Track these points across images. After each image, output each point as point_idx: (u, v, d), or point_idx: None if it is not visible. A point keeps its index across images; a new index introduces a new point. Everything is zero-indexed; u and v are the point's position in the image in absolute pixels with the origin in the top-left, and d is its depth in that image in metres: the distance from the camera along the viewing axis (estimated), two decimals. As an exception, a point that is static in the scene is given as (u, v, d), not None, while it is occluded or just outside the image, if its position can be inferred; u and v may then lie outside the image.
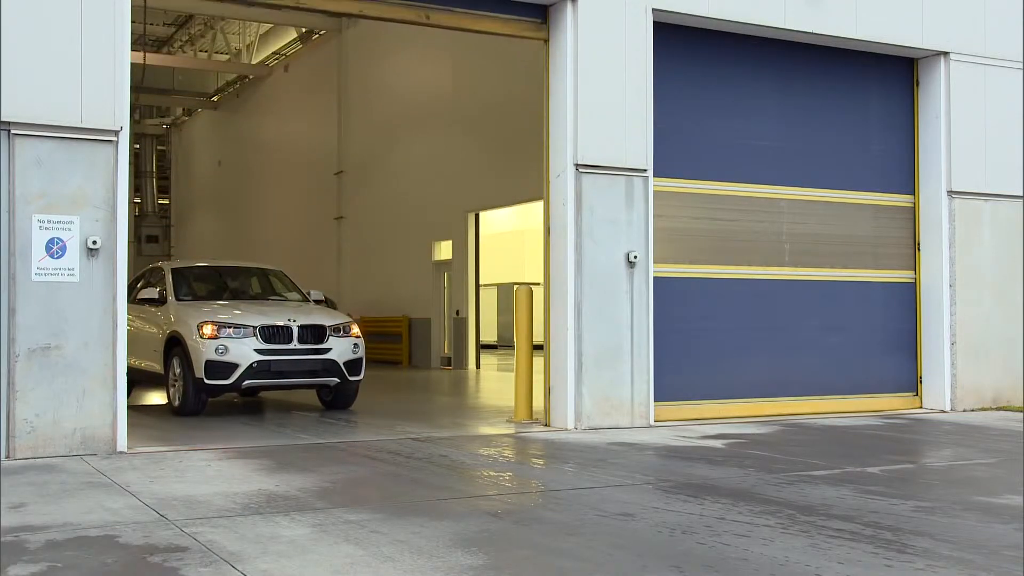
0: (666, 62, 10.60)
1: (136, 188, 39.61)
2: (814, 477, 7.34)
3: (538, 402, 10.51)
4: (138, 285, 13.05)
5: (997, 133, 12.27)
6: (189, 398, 11.01)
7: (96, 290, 8.05)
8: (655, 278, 10.42)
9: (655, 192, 10.45)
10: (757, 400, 11.31)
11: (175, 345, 11.27)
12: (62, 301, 7.91)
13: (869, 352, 12.09)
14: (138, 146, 39.92)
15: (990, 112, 12.24)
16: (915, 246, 12.34)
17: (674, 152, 10.80)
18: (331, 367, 11.31)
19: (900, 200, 12.32)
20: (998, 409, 12.04)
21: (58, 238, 7.90)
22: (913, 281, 12.34)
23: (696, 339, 11.05)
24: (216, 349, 10.78)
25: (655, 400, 10.35)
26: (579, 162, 10.00)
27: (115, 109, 8.15)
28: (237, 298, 12.47)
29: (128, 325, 11.91)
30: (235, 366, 10.83)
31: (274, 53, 29.72)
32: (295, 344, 11.09)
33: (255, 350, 10.89)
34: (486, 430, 10.23)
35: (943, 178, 12.06)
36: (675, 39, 10.79)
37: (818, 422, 10.85)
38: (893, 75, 12.30)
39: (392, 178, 23.35)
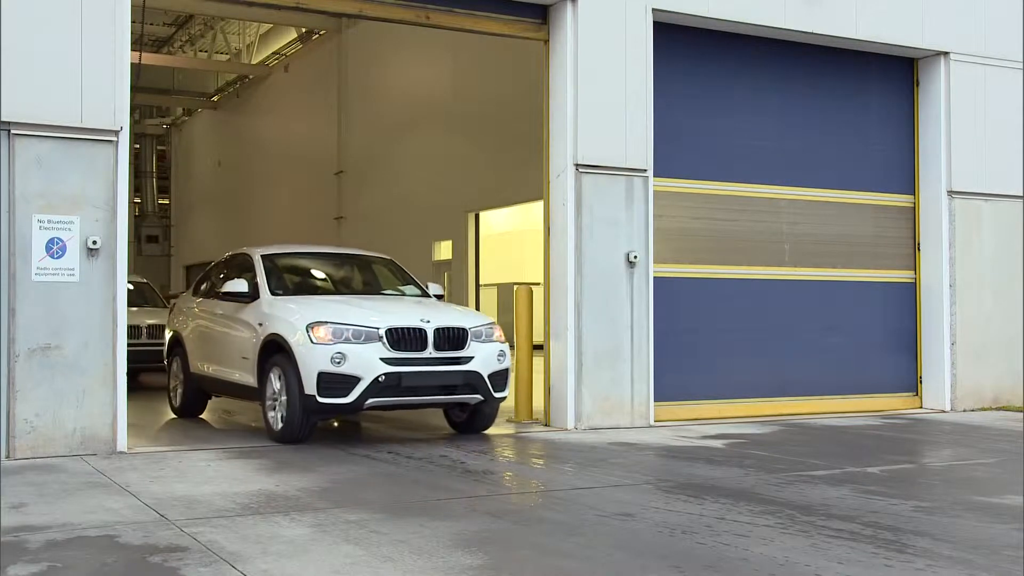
0: (666, 62, 10.60)
1: (136, 188, 39.64)
2: (814, 477, 7.33)
3: (538, 402, 10.51)
4: (211, 276, 11.06)
5: (997, 133, 12.26)
6: (295, 421, 8.64)
7: (96, 290, 8.05)
8: (655, 278, 10.41)
9: (655, 192, 10.44)
10: (757, 400, 11.31)
11: (274, 352, 8.93)
12: (62, 301, 7.91)
13: (869, 352, 12.08)
14: (138, 146, 39.95)
15: (990, 112, 12.23)
16: (915, 246, 12.33)
17: (674, 152, 10.80)
18: (474, 381, 8.96)
19: (900, 200, 12.32)
20: (998, 409, 12.04)
21: (58, 238, 7.90)
22: (913, 281, 12.34)
23: (696, 339, 11.04)
24: (332, 358, 8.47)
25: (655, 400, 10.35)
26: (579, 162, 9.99)
27: (115, 109, 8.16)
28: (344, 292, 10.27)
29: (204, 326, 10.52)
30: (356, 380, 8.49)
31: (274, 53, 29.72)
32: (430, 352, 8.78)
33: (381, 359, 8.58)
34: (486, 430, 10.23)
35: (943, 178, 12.06)
36: (675, 39, 10.79)
37: (818, 422, 10.84)
38: (893, 75, 12.30)
39: (392, 178, 23.35)
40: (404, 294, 10.42)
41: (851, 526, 5.65)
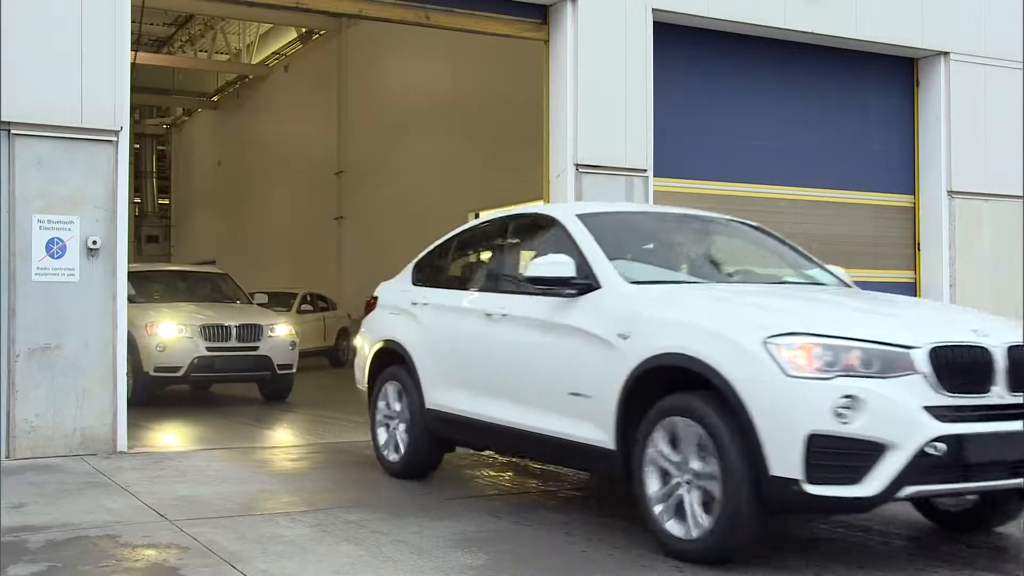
0: (666, 62, 10.60)
1: (136, 188, 39.57)
2: (814, 477, 7.28)
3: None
4: (456, 253, 7.44)
5: (997, 133, 12.26)
6: (740, 528, 4.59)
7: (96, 290, 8.04)
8: (655, 278, 10.40)
9: (655, 192, 10.44)
10: (757, 400, 11.26)
11: (670, 388, 4.94)
12: (62, 301, 7.91)
13: (869, 352, 12.05)
14: (138, 146, 39.90)
15: (990, 112, 12.23)
16: (915, 246, 12.34)
17: (674, 152, 10.79)
18: None
19: (900, 200, 12.32)
20: (998, 409, 12.00)
21: (58, 238, 7.90)
22: (913, 281, 12.33)
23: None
24: (836, 407, 4.37)
25: (655, 400, 10.31)
26: (579, 162, 9.99)
27: (115, 109, 8.15)
28: (726, 280, 6.24)
29: (460, 335, 6.53)
30: (880, 450, 4.38)
31: (274, 53, 29.70)
32: (1000, 394, 4.63)
33: (927, 409, 4.44)
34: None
35: (943, 178, 12.06)
36: (675, 39, 10.78)
37: (818, 422, 10.79)
38: (893, 75, 12.30)
39: (392, 178, 23.34)
40: (816, 281, 6.31)
41: (851, 524, 5.64)
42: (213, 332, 11.86)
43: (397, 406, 7.06)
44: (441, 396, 6.57)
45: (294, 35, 28.15)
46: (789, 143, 11.70)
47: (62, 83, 7.97)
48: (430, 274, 7.36)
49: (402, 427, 6.98)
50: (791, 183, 11.67)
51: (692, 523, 4.72)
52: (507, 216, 6.91)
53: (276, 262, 28.23)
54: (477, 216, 20.50)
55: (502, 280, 6.42)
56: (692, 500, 4.75)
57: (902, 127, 12.36)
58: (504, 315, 6.08)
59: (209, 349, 11.79)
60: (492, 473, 7.42)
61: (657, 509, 4.90)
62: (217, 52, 31.88)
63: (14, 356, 7.75)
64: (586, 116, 10.02)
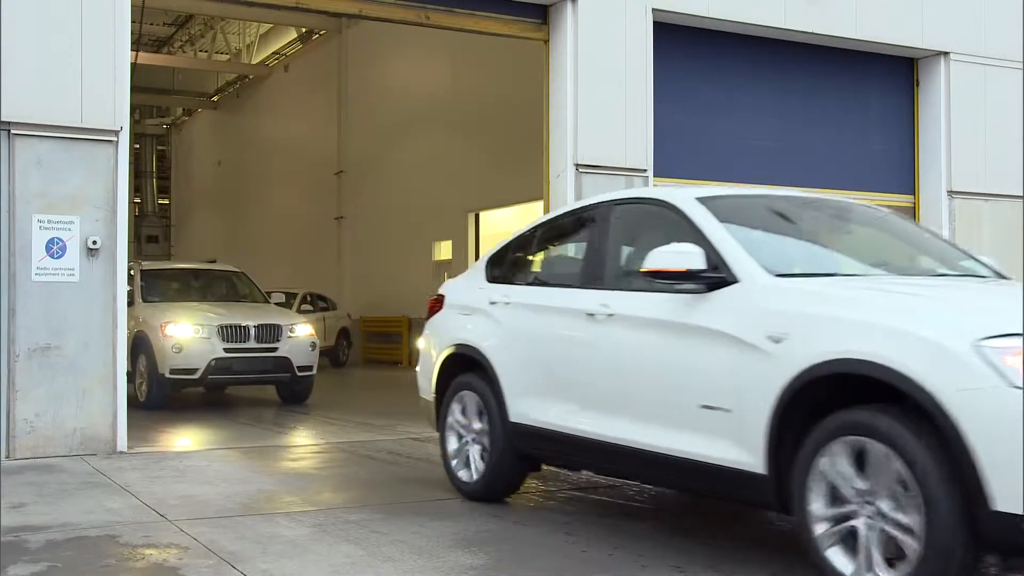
0: (666, 62, 10.60)
1: (136, 188, 39.62)
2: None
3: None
4: (537, 246, 6.48)
5: (997, 133, 12.27)
6: (951, 562, 3.67)
7: (96, 290, 8.05)
8: (655, 278, 10.39)
9: (655, 192, 10.45)
10: (757, 400, 11.24)
11: (820, 404, 4.16)
12: (62, 301, 7.91)
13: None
14: (138, 146, 39.93)
15: (990, 112, 12.24)
16: (915, 246, 12.33)
17: (674, 152, 10.80)
18: None
19: (900, 200, 12.32)
20: (998, 409, 12.00)
21: (58, 238, 7.90)
22: (913, 281, 12.34)
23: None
24: None
25: (655, 400, 10.31)
26: (579, 162, 10.00)
27: (115, 109, 8.16)
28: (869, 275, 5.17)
29: (553, 338, 5.69)
30: None
31: (274, 53, 29.73)
32: None
33: None
34: (486, 430, 10.19)
35: (943, 178, 12.07)
36: (675, 39, 10.79)
37: (818, 422, 10.79)
38: (893, 75, 12.30)
39: (392, 178, 23.35)
40: (974, 274, 5.28)
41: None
42: (231, 333, 11.44)
43: (470, 419, 6.24)
44: (528, 408, 5.75)
45: (294, 35, 28.18)
46: (789, 143, 11.71)
47: (62, 83, 7.98)
48: (511, 269, 6.46)
49: (479, 443, 6.16)
50: (791, 183, 11.64)
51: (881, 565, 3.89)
52: (607, 201, 5.92)
53: (276, 262, 28.24)
54: (477, 216, 20.55)
55: (605, 274, 5.55)
56: (876, 539, 3.91)
57: (902, 127, 12.36)
58: (610, 315, 5.25)
59: (227, 350, 11.38)
60: (492, 473, 7.43)
61: (821, 532, 4.11)
62: (217, 52, 31.89)
63: (14, 356, 7.76)
64: (586, 116, 10.02)
